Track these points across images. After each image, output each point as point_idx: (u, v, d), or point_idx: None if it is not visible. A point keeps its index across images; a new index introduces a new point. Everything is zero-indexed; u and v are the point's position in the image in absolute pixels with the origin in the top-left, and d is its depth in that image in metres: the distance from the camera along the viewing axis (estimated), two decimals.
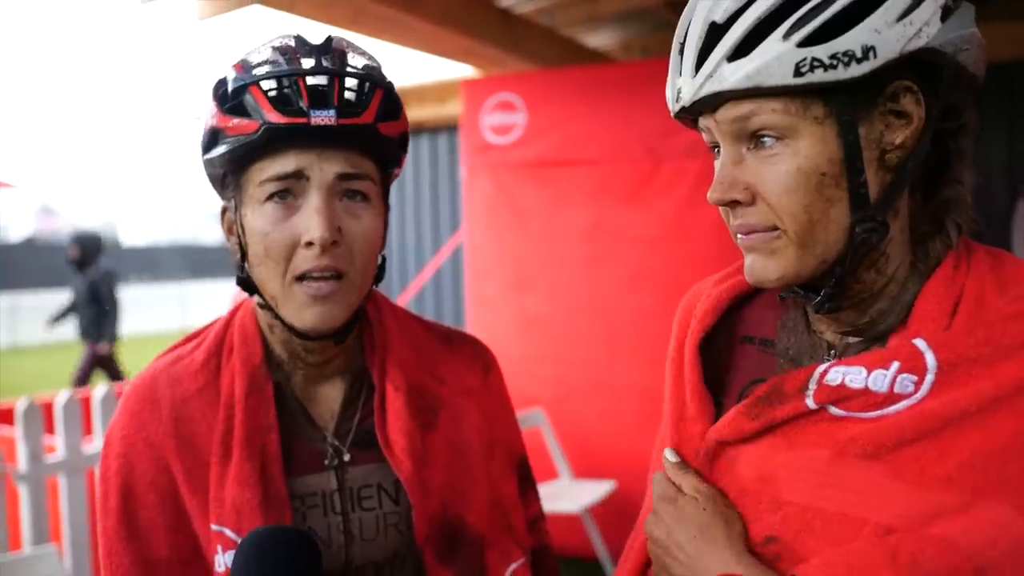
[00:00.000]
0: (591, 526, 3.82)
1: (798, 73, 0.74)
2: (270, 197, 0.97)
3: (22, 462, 2.95)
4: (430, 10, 3.47)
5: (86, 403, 3.37)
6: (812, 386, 0.81)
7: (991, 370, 0.75)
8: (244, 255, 1.02)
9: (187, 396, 1.04)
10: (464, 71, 4.91)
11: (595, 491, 3.83)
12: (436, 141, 6.23)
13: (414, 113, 5.68)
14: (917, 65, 0.77)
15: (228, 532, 0.98)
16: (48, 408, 3.34)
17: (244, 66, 0.99)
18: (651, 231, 4.01)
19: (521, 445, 1.22)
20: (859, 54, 0.74)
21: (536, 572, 1.17)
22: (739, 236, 0.84)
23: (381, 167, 1.04)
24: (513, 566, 1.10)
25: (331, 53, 1.00)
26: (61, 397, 3.08)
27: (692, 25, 0.81)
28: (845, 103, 0.77)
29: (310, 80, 0.95)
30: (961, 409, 0.75)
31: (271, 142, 0.95)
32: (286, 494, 1.01)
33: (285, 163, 0.96)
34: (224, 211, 1.04)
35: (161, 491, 1.01)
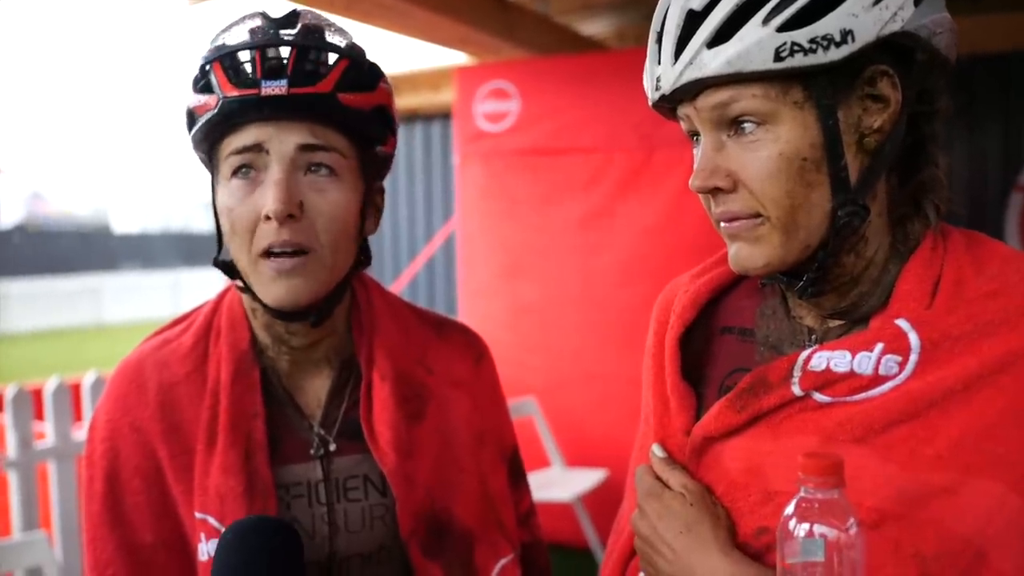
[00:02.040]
0: (583, 515, 3.83)
1: (778, 58, 0.75)
2: (235, 173, 0.96)
3: (12, 448, 2.95)
4: None
5: (75, 390, 3.36)
6: (797, 373, 0.81)
7: (974, 347, 0.76)
8: (221, 234, 1.01)
9: (175, 381, 1.03)
10: (458, 58, 4.89)
11: (587, 480, 3.84)
12: (429, 129, 6.20)
13: (408, 100, 5.66)
14: (892, 49, 0.78)
15: (212, 520, 0.96)
16: (38, 395, 3.32)
17: (211, 44, 0.99)
18: (644, 220, 4.01)
19: (512, 437, 1.20)
20: (838, 38, 0.74)
21: (527, 567, 1.15)
22: (722, 224, 0.84)
23: (355, 141, 1.00)
24: (502, 561, 1.08)
25: (295, 26, 0.98)
26: (51, 384, 3.07)
27: (669, 13, 0.81)
28: (824, 87, 0.77)
29: (269, 52, 0.94)
30: (946, 388, 0.75)
31: (230, 117, 0.94)
32: (271, 482, 0.99)
33: (246, 136, 0.94)
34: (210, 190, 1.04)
35: (147, 476, 1.00)
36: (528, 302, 4.28)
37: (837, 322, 0.86)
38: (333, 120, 0.97)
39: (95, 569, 0.99)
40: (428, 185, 6.29)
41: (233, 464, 0.98)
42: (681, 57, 0.79)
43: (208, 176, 1.03)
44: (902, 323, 0.79)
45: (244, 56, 0.94)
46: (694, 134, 0.84)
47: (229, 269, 1.01)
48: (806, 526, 0.67)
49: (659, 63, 0.82)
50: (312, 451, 1.04)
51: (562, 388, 4.17)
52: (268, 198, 0.93)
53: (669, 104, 0.84)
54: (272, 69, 0.93)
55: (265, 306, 0.99)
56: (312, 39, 0.97)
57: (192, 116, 0.98)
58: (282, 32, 0.97)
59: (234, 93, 0.93)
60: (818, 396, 0.80)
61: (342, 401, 1.07)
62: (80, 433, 3.14)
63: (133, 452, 1.00)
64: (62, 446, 3.06)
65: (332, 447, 1.05)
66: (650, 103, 0.86)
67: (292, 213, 0.93)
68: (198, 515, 0.97)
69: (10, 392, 2.97)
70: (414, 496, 1.03)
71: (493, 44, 4.21)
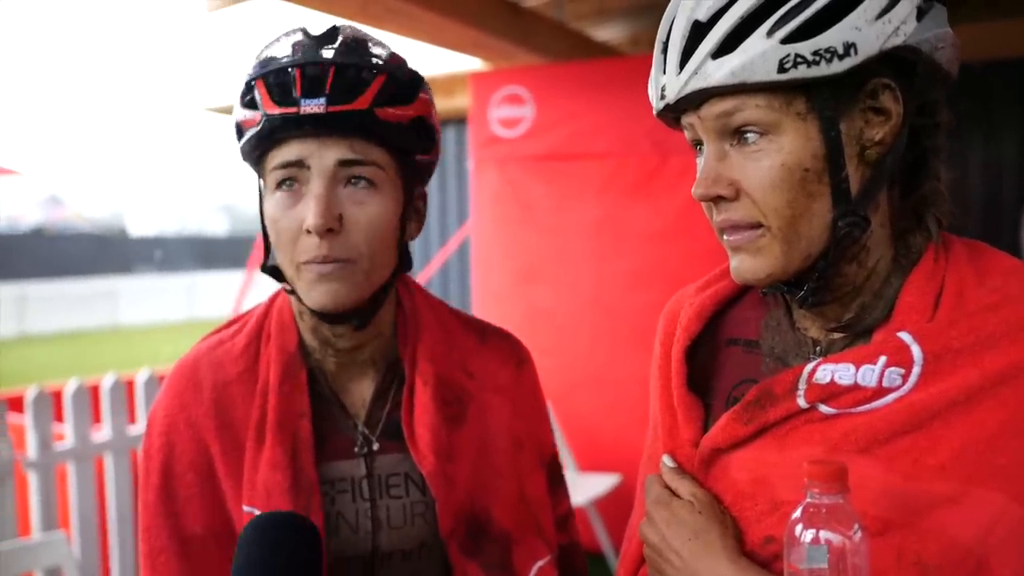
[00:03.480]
0: (596, 520, 3.83)
1: (782, 69, 0.76)
2: (279, 186, 1.00)
3: (32, 450, 2.98)
4: (438, 2, 3.47)
5: (95, 392, 3.40)
6: (802, 385, 0.82)
7: (975, 360, 0.77)
8: (269, 241, 1.05)
9: (228, 380, 1.08)
10: (472, 64, 4.92)
11: (600, 484, 3.85)
12: (444, 134, 6.17)
13: None
14: (894, 63, 0.79)
15: (258, 513, 1.00)
16: (57, 396, 3.36)
17: (256, 60, 1.02)
18: (658, 225, 4.02)
19: (551, 443, 1.23)
20: (841, 51, 0.75)
21: (564, 569, 1.17)
22: (725, 237, 0.85)
23: (394, 153, 1.03)
24: (540, 563, 1.11)
25: (335, 42, 1.01)
26: (70, 386, 3.11)
27: (675, 24, 0.82)
28: (827, 99, 0.78)
29: (308, 70, 0.97)
30: (949, 399, 0.76)
31: (273, 133, 0.97)
32: (315, 479, 1.03)
33: (288, 152, 0.98)
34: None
35: (200, 471, 1.05)
36: (542, 306, 4.29)
37: (841, 334, 0.87)
38: (372, 135, 1.00)
39: (149, 556, 1.04)
40: (442, 190, 6.32)
41: (280, 461, 1.02)
42: (686, 67, 0.80)
43: (257, 185, 1.07)
44: (904, 336, 0.79)
45: (285, 74, 0.98)
46: (697, 143, 0.86)
47: (277, 274, 1.06)
48: (811, 532, 0.68)
49: (664, 73, 0.83)
50: (356, 448, 1.08)
51: (576, 392, 4.17)
52: (309, 213, 0.97)
53: (673, 113, 0.85)
54: (311, 87, 0.96)
55: (310, 309, 1.02)
56: (351, 55, 0.99)
57: (240, 129, 1.02)
58: (322, 49, 0.99)
59: (276, 111, 0.96)
60: (823, 408, 0.81)
61: (386, 402, 1.11)
62: (98, 435, 3.17)
63: (188, 447, 1.05)
64: (81, 447, 3.09)
65: (375, 446, 1.09)
66: (655, 112, 0.87)
67: (331, 227, 0.97)
68: (245, 508, 1.02)
69: (31, 393, 3.00)
70: (454, 497, 1.06)
71: (507, 50, 4.23)
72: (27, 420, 2.99)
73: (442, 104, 5.57)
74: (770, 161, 0.79)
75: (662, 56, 0.84)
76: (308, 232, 0.97)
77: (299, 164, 0.98)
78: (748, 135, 0.80)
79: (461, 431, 1.10)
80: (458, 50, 4.32)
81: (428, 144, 1.06)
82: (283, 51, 1.01)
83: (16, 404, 3.77)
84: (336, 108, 0.96)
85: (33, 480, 2.98)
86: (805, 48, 0.75)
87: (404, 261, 1.09)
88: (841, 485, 0.68)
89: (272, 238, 1.02)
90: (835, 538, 0.68)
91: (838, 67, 0.76)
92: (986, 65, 4.30)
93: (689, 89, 0.80)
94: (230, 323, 1.16)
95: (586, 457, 4.12)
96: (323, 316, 1.03)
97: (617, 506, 3.87)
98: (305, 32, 1.03)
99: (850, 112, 0.79)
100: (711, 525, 0.84)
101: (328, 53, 0.99)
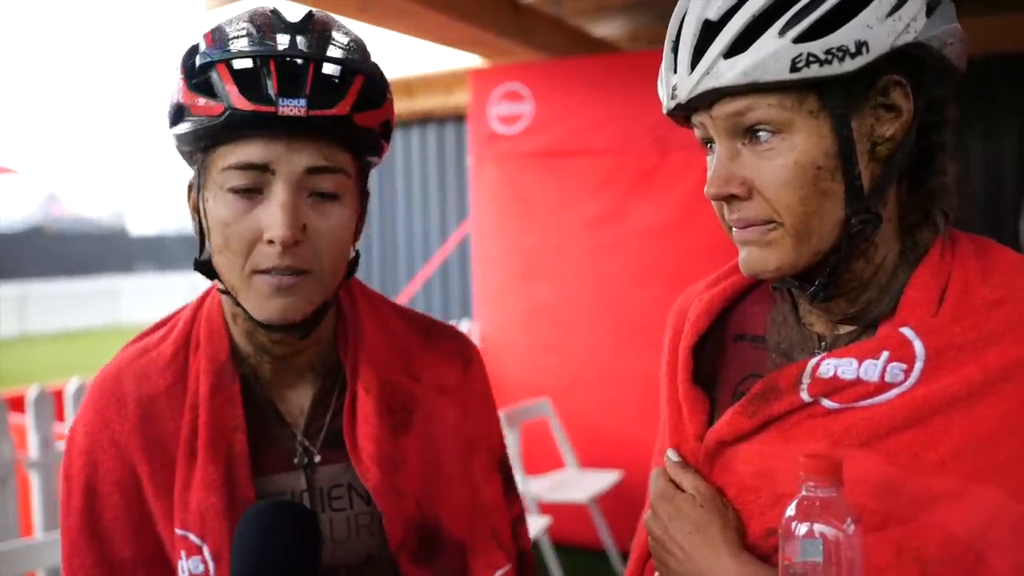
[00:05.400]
0: (597, 516, 3.84)
1: (794, 68, 0.76)
2: (232, 187, 0.90)
3: (33, 449, 2.98)
4: None
5: None
6: (806, 380, 0.83)
7: (977, 356, 0.77)
8: (204, 238, 0.96)
9: (154, 394, 0.99)
10: (472, 60, 4.91)
11: (601, 481, 3.85)
12: (443, 131, 6.22)
13: (422, 103, 5.69)
14: (905, 60, 0.79)
15: (192, 537, 0.94)
16: (59, 396, 3.36)
17: (214, 38, 0.92)
18: (658, 222, 4.02)
19: (502, 444, 1.16)
20: (853, 49, 0.76)
21: None
22: (734, 230, 0.85)
23: (358, 158, 0.96)
24: (499, 572, 1.05)
25: (310, 33, 0.91)
26: (71, 385, 3.11)
27: (685, 23, 0.82)
28: (839, 97, 0.78)
29: (284, 64, 0.88)
30: (950, 395, 0.77)
31: (236, 128, 0.87)
32: (252, 497, 0.96)
33: (250, 152, 0.88)
34: (190, 188, 0.98)
35: (126, 491, 0.97)
36: (542, 303, 4.29)
37: (846, 328, 0.87)
38: (345, 141, 0.93)
39: None
40: (442, 187, 6.31)
41: (214, 480, 0.95)
42: (698, 67, 0.80)
43: (191, 167, 0.97)
44: (907, 332, 0.80)
45: (256, 64, 0.88)
46: (708, 141, 0.85)
47: (212, 272, 0.97)
48: (806, 526, 0.69)
49: (675, 72, 0.83)
50: (296, 460, 1.02)
51: (576, 389, 4.18)
52: (274, 223, 0.88)
53: (684, 113, 0.85)
54: (289, 84, 0.87)
55: (250, 317, 0.94)
56: (328, 49, 0.91)
57: (183, 113, 0.91)
58: (298, 40, 0.90)
59: (246, 107, 0.86)
60: (826, 402, 0.82)
61: (326, 410, 1.04)
62: None
63: (113, 467, 0.97)
64: None
65: (316, 458, 1.02)
66: (665, 111, 0.87)
67: (298, 240, 0.90)
68: (178, 532, 0.95)
69: (32, 393, 3.00)
70: (402, 508, 1.01)
71: (506, 46, 4.23)
72: (28, 420, 2.99)
73: (441, 101, 5.60)
74: (783, 160, 0.79)
75: (672, 55, 0.84)
76: (270, 242, 0.89)
77: (263, 168, 0.89)
78: (760, 134, 0.80)
79: (407, 438, 1.03)
80: (457, 47, 4.32)
81: (384, 146, 0.99)
82: (246, 32, 0.90)
83: (17, 404, 3.77)
84: (317, 112, 0.87)
85: (35, 480, 2.99)
86: (817, 47, 0.75)
87: (352, 268, 1.02)
88: (835, 479, 0.69)
89: (218, 241, 0.92)
90: (829, 531, 0.68)
91: (850, 65, 0.76)
92: (987, 59, 4.30)
93: (701, 89, 0.80)
94: (156, 327, 1.06)
95: (587, 454, 4.12)
96: (267, 326, 0.94)
97: (618, 503, 3.88)
98: (276, 15, 0.93)
99: (861, 109, 0.79)
100: (713, 519, 0.85)
101: (304, 45, 0.90)
